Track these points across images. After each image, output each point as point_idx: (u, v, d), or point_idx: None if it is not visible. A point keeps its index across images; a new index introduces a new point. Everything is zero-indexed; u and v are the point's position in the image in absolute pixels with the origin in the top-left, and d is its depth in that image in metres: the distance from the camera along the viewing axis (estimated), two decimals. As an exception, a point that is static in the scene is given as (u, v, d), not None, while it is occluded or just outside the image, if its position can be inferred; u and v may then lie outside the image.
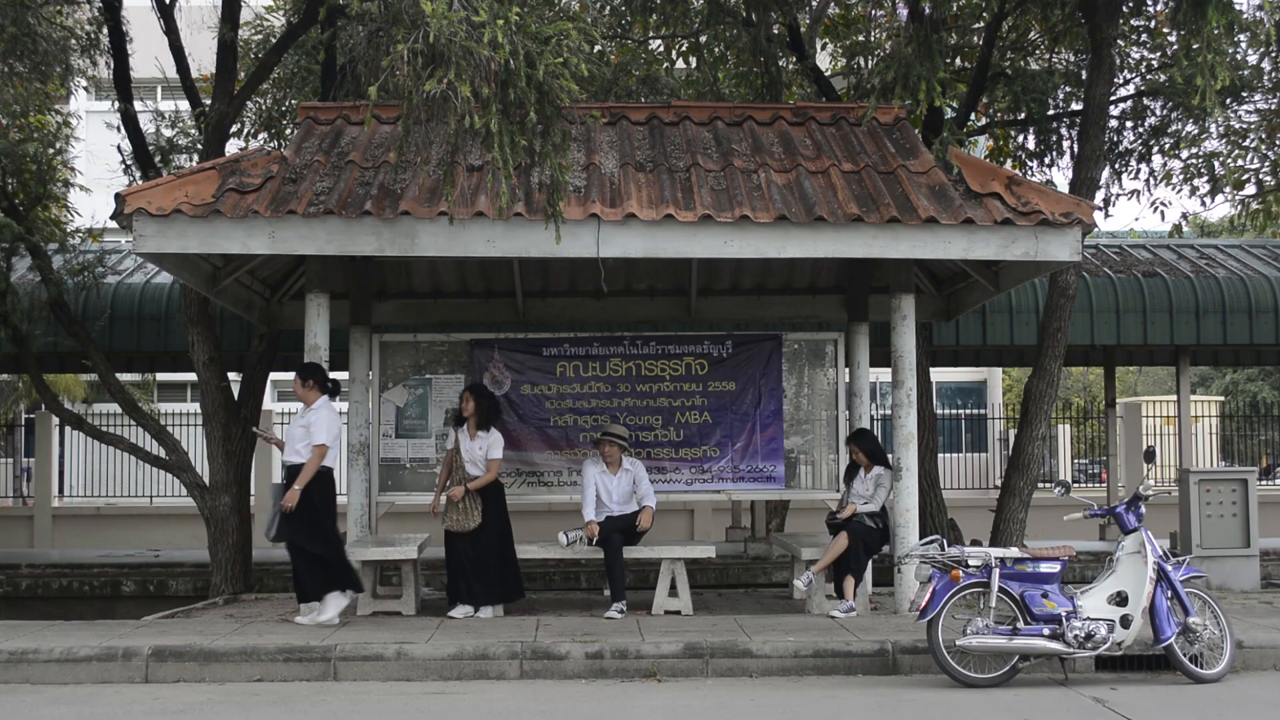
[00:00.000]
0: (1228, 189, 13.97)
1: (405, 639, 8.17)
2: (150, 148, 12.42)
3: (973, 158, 9.88)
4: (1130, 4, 11.95)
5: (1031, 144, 14.15)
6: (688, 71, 14.49)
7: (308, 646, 7.90)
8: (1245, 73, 12.43)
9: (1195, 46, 9.93)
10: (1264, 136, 13.69)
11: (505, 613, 9.62)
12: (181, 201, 8.55)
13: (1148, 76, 13.71)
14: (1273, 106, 13.48)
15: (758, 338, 11.26)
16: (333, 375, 9.32)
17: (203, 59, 12.61)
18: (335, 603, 8.87)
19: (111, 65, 12.14)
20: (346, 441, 11.17)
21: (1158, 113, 13.53)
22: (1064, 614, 7.56)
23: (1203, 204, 15.00)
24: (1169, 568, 7.79)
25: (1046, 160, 14.07)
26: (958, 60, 13.49)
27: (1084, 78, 12.36)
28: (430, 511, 9.81)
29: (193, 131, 12.95)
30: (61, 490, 19.44)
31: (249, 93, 12.47)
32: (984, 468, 21.80)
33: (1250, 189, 14.07)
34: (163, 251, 8.76)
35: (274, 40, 13.01)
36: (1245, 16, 10.21)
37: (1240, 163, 13.89)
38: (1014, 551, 7.86)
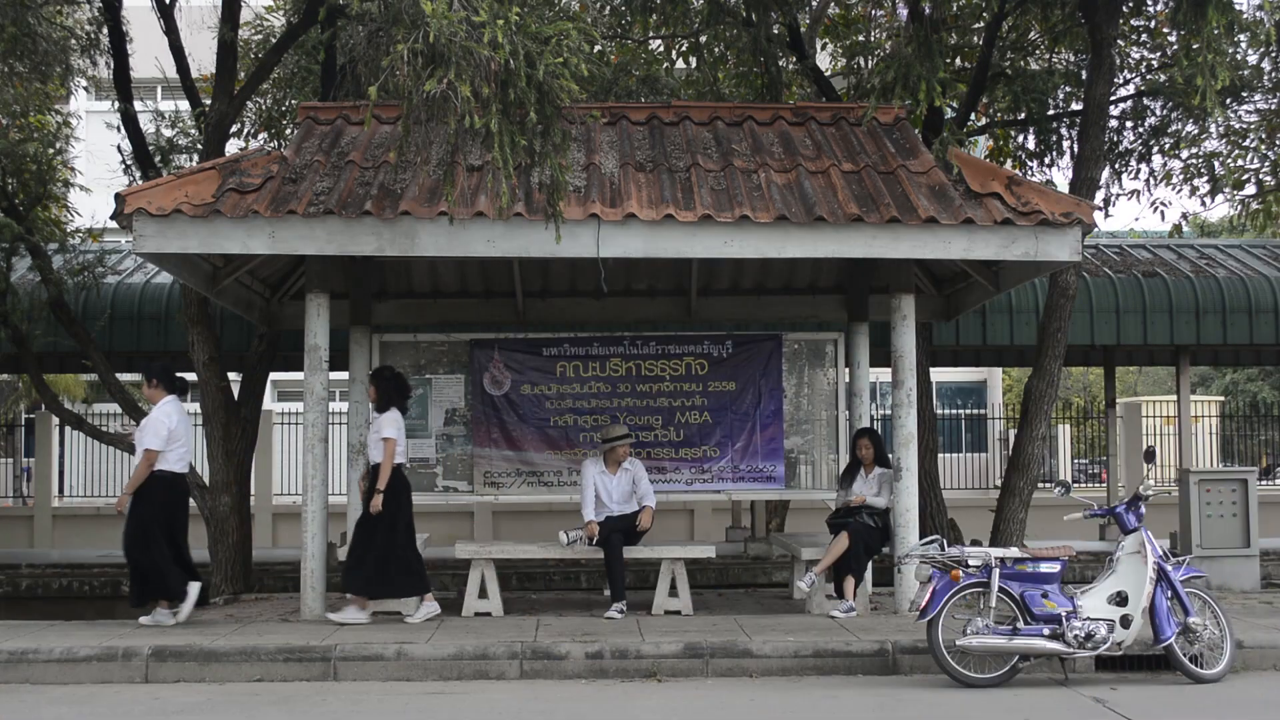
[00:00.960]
0: (1228, 189, 13.96)
1: (405, 639, 8.17)
2: (150, 148, 12.41)
3: (973, 158, 9.88)
4: (1130, 4, 11.94)
5: (1031, 144, 14.13)
6: (688, 71, 14.48)
7: (308, 646, 7.91)
8: (1245, 73, 12.41)
9: (1195, 46, 9.93)
10: (1264, 136, 13.67)
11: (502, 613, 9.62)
12: (181, 201, 8.55)
13: (1148, 76, 13.69)
14: (1273, 106, 13.46)
15: (758, 338, 11.26)
16: (181, 375, 9.29)
17: (203, 59, 12.59)
18: (160, 614, 8.91)
19: (111, 65, 12.13)
20: (346, 441, 11.19)
21: (1158, 113, 13.51)
22: (1064, 614, 7.56)
23: (1203, 204, 15.00)
24: (1169, 568, 7.79)
25: (1046, 160, 14.05)
26: (958, 60, 13.48)
27: (1084, 78, 12.36)
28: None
29: (193, 131, 12.93)
30: (61, 490, 19.42)
31: (249, 93, 12.46)
32: (984, 468, 21.78)
33: (1250, 189, 14.06)
34: (163, 251, 8.76)
35: (274, 40, 12.99)
36: (1245, 16, 10.20)
37: (1240, 163, 13.88)
38: (1014, 551, 7.87)
